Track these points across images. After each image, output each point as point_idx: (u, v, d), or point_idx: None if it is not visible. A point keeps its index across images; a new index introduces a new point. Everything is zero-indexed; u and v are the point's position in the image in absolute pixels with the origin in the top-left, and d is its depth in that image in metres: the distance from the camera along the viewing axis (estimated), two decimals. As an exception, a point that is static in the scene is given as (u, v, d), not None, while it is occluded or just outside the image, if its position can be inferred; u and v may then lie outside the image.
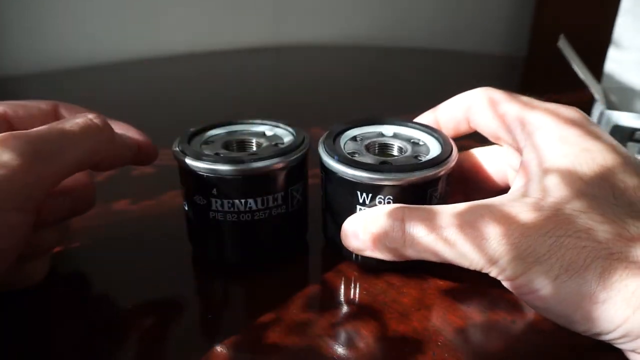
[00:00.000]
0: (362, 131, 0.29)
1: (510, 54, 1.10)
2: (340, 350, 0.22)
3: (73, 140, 0.22)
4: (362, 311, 0.24)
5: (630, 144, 0.36)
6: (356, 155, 0.26)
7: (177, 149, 0.26)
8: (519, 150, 0.24)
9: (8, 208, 0.19)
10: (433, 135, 0.28)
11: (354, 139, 0.28)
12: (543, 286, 0.19)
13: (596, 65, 0.46)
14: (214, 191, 0.25)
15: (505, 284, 0.21)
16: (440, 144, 0.27)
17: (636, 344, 0.18)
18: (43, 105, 0.27)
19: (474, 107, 0.27)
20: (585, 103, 0.45)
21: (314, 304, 0.25)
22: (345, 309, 0.24)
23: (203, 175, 0.25)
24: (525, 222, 0.20)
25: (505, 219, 0.20)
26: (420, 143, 0.28)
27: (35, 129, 0.22)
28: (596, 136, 0.22)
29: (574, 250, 0.19)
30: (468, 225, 0.20)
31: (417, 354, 0.21)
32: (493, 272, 0.21)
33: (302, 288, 0.27)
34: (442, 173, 0.25)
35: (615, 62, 0.46)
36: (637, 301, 0.18)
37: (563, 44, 0.40)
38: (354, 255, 0.26)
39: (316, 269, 0.28)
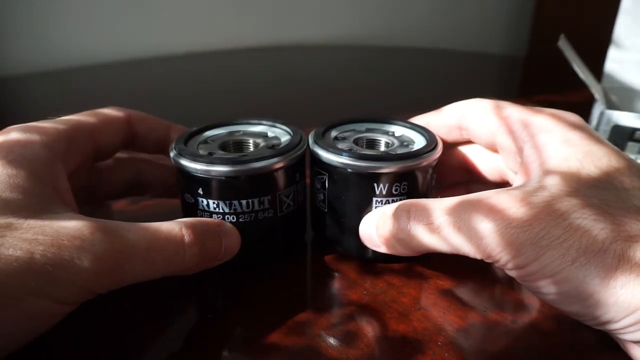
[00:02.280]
0: (339, 131, 0.29)
1: (510, 54, 1.10)
2: (340, 350, 0.22)
3: (150, 258, 0.21)
4: (362, 311, 0.24)
5: (630, 144, 0.36)
6: (352, 151, 0.26)
7: (172, 147, 0.26)
8: (519, 152, 0.24)
9: (44, 296, 0.18)
10: (405, 127, 0.29)
11: (336, 139, 0.28)
12: (559, 271, 0.18)
13: (596, 65, 0.46)
14: (200, 191, 0.25)
15: (512, 273, 0.20)
16: (418, 132, 0.28)
17: None
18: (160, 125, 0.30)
19: (470, 114, 0.28)
20: (585, 103, 0.45)
21: (314, 304, 0.25)
22: (345, 309, 0.24)
23: (189, 174, 0.25)
24: (535, 207, 0.19)
25: (502, 208, 0.20)
26: (397, 134, 0.29)
27: (128, 224, 0.21)
28: (599, 140, 0.22)
29: (592, 231, 0.18)
30: (466, 215, 0.20)
31: (417, 354, 0.21)
32: (501, 261, 0.20)
33: (302, 288, 0.27)
34: (440, 154, 0.26)
35: (615, 62, 0.46)
36: None
37: (563, 44, 0.40)
38: (370, 252, 0.26)
39: (316, 269, 0.28)
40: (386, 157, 0.25)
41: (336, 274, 0.27)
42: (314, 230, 0.30)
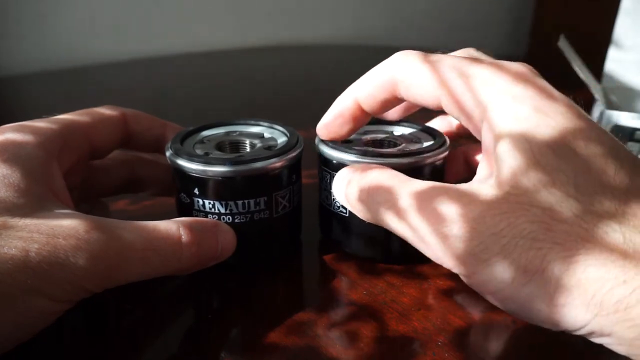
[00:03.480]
0: None
1: (510, 54, 1.10)
2: (340, 350, 0.22)
3: (147, 258, 0.21)
4: (362, 311, 0.24)
5: (630, 143, 0.36)
6: (356, 149, 0.26)
7: (168, 146, 0.26)
8: (468, 118, 0.22)
9: (42, 294, 0.18)
10: (412, 126, 0.30)
11: None
12: (500, 289, 0.18)
13: (596, 65, 0.46)
14: (196, 190, 0.25)
15: (464, 280, 0.20)
16: (425, 131, 0.29)
17: (603, 340, 0.17)
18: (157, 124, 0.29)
19: (401, 79, 0.23)
20: (585, 103, 0.45)
21: (314, 304, 0.25)
22: (345, 308, 0.24)
23: (186, 173, 0.25)
24: (476, 214, 0.18)
25: (444, 214, 0.19)
26: (404, 133, 0.29)
27: (124, 223, 0.21)
28: (550, 95, 0.19)
29: (530, 251, 0.17)
30: (427, 207, 0.19)
31: (417, 354, 0.21)
32: (448, 266, 0.19)
33: (301, 288, 0.27)
34: (446, 153, 0.26)
35: (615, 62, 0.46)
36: (596, 307, 0.16)
37: (563, 44, 0.40)
38: (375, 252, 0.26)
39: (316, 269, 0.28)
40: (390, 155, 0.25)
41: (336, 274, 0.27)
42: (320, 229, 0.30)
